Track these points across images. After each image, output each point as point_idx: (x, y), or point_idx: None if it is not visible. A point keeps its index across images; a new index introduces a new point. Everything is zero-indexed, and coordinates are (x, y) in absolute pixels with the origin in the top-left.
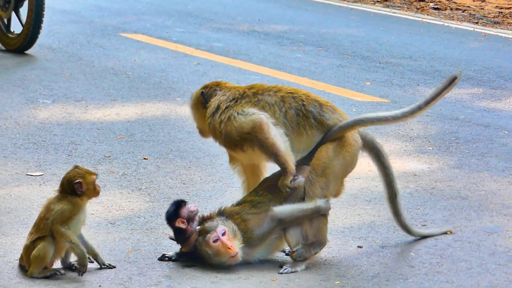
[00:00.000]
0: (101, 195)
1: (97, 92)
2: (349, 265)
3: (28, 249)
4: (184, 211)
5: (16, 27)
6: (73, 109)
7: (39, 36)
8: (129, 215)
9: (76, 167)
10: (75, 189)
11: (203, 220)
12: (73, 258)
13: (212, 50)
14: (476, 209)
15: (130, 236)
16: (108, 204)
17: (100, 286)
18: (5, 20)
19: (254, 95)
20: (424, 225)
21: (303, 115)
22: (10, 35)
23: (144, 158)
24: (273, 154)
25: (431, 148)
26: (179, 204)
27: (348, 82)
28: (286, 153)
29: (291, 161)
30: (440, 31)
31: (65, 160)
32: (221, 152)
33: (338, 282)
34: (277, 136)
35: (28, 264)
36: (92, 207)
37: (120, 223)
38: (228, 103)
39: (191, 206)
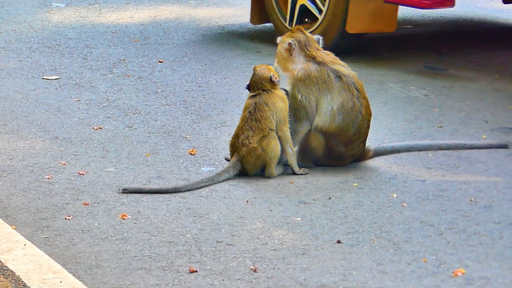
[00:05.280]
0: (118, 99)
1: None
2: (367, 167)
3: (255, 150)
4: None
5: None
6: (87, 12)
7: None
8: (146, 118)
9: (260, 65)
10: (274, 81)
11: None
12: None
13: None
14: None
15: (147, 139)
16: (125, 107)
17: (119, 188)
18: None
19: None
20: (441, 127)
21: None
22: None
23: (159, 61)
24: None
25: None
26: None
27: None
28: None
29: None
30: None
31: (81, 64)
32: (236, 55)
33: (356, 184)
34: None
35: (252, 166)
36: (109, 111)
37: (137, 127)
38: None
39: None
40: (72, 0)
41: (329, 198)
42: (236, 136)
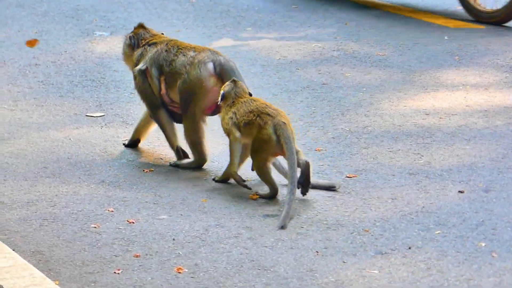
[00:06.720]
0: None
1: (159, 22)
2: (450, 213)
3: None
4: None
5: None
6: None
7: None
8: None
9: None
10: None
11: None
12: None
13: None
14: None
15: (204, 183)
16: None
17: (174, 239)
18: None
19: None
20: None
21: None
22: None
23: None
24: None
25: None
26: None
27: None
28: None
29: None
30: None
31: (128, 99)
32: (301, 88)
33: (439, 231)
34: None
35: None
36: (161, 152)
37: (193, 170)
38: None
39: None
40: (117, 28)
41: (409, 248)
42: None
